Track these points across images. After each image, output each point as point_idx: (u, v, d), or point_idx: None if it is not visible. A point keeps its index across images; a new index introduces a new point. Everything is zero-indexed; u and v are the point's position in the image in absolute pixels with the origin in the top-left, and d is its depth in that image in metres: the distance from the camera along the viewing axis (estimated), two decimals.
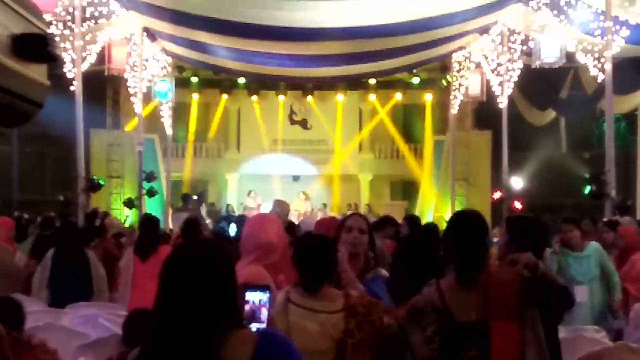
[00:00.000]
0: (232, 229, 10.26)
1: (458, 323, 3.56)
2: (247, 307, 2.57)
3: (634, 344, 5.40)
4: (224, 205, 24.83)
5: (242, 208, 22.79)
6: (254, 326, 2.53)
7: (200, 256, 2.45)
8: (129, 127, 22.47)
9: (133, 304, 7.52)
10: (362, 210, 23.96)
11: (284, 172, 27.31)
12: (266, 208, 15.54)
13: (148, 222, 8.57)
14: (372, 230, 8.17)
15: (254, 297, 2.59)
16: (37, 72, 2.08)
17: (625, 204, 14.85)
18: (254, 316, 2.56)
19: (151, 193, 19.04)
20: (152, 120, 23.18)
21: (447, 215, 21.33)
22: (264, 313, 2.58)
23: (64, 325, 6.53)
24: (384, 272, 4.81)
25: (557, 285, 3.71)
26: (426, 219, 21.50)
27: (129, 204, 19.72)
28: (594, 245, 7.87)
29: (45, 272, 8.05)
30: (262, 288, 2.63)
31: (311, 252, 3.78)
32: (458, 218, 3.98)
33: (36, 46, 2.01)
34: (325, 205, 24.33)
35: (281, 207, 9.04)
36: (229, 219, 8.00)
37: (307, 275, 3.74)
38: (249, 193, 24.11)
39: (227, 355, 2.32)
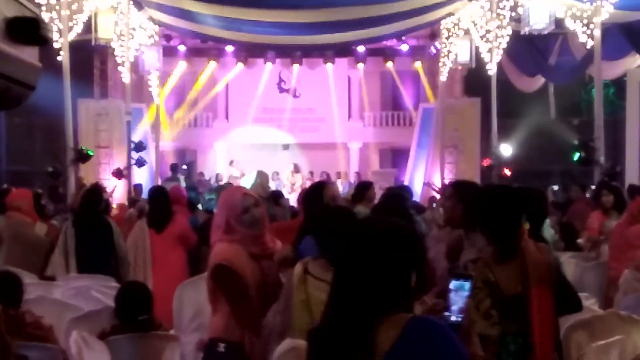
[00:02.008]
0: None
1: (507, 296, 3.60)
2: (449, 296, 2.45)
3: (624, 312, 5.44)
4: (213, 174, 24.77)
5: (227, 178, 22.68)
6: (452, 317, 2.42)
7: (375, 236, 2.36)
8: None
9: (156, 277, 7.48)
10: (351, 178, 23.98)
11: (273, 140, 27.25)
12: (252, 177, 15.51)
13: (158, 194, 8.30)
14: (355, 202, 8.15)
15: (457, 286, 2.46)
16: (30, 54, 2.07)
17: (614, 170, 14.91)
18: (453, 306, 2.45)
19: (140, 163, 18.97)
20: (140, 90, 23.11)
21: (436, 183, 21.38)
22: (463, 303, 2.45)
23: (56, 298, 6.52)
24: None
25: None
26: (415, 186, 21.57)
27: (118, 174, 19.65)
28: None
29: (70, 241, 7.72)
30: (466, 277, 2.49)
31: (332, 224, 3.81)
32: (495, 193, 3.99)
33: (29, 29, 1.99)
34: (311, 173, 24.28)
35: (263, 177, 9.16)
36: (220, 190, 7.85)
37: (328, 248, 3.77)
38: (231, 162, 24.08)
39: (377, 340, 2.28)
